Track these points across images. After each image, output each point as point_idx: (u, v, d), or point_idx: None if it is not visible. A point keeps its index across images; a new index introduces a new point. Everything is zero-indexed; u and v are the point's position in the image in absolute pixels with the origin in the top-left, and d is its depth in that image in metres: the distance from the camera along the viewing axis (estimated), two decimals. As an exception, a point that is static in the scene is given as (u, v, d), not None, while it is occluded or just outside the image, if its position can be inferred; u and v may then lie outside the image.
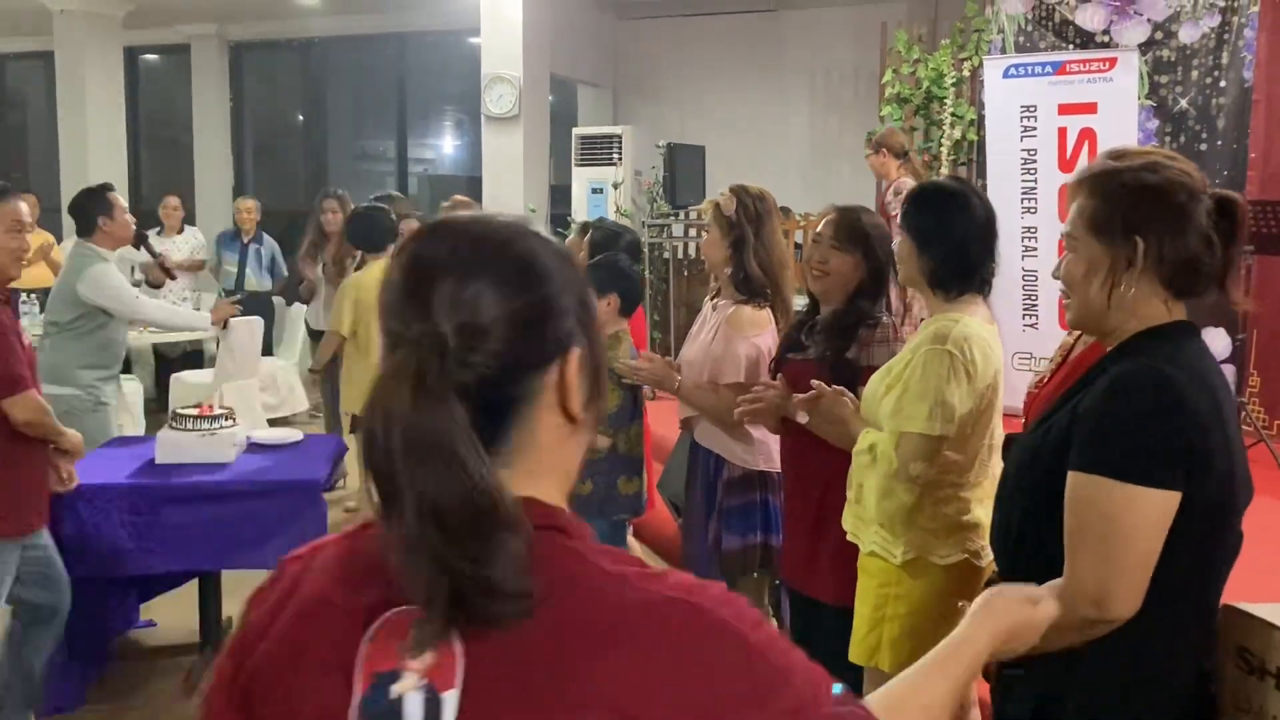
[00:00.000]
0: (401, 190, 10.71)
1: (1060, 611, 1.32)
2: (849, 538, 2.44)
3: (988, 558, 2.21)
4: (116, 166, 9.78)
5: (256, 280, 8.00)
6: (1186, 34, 6.41)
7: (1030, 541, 1.62)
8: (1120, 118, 6.02)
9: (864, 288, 2.69)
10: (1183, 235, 1.51)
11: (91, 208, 4.50)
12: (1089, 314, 1.60)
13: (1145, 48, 6.46)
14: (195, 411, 3.84)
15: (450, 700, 0.86)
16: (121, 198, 4.61)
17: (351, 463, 4.96)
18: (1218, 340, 6.53)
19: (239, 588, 4.37)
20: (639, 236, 5.98)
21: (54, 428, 3.16)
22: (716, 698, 0.83)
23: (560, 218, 8.95)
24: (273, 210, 8.56)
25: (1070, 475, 1.50)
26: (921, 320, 2.99)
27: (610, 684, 0.82)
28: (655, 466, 4.29)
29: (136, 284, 5.50)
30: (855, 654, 2.35)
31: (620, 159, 8.53)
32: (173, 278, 5.79)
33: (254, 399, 6.87)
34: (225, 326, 5.55)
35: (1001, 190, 6.11)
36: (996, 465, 2.24)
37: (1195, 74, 6.42)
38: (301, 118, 11.78)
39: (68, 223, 9.16)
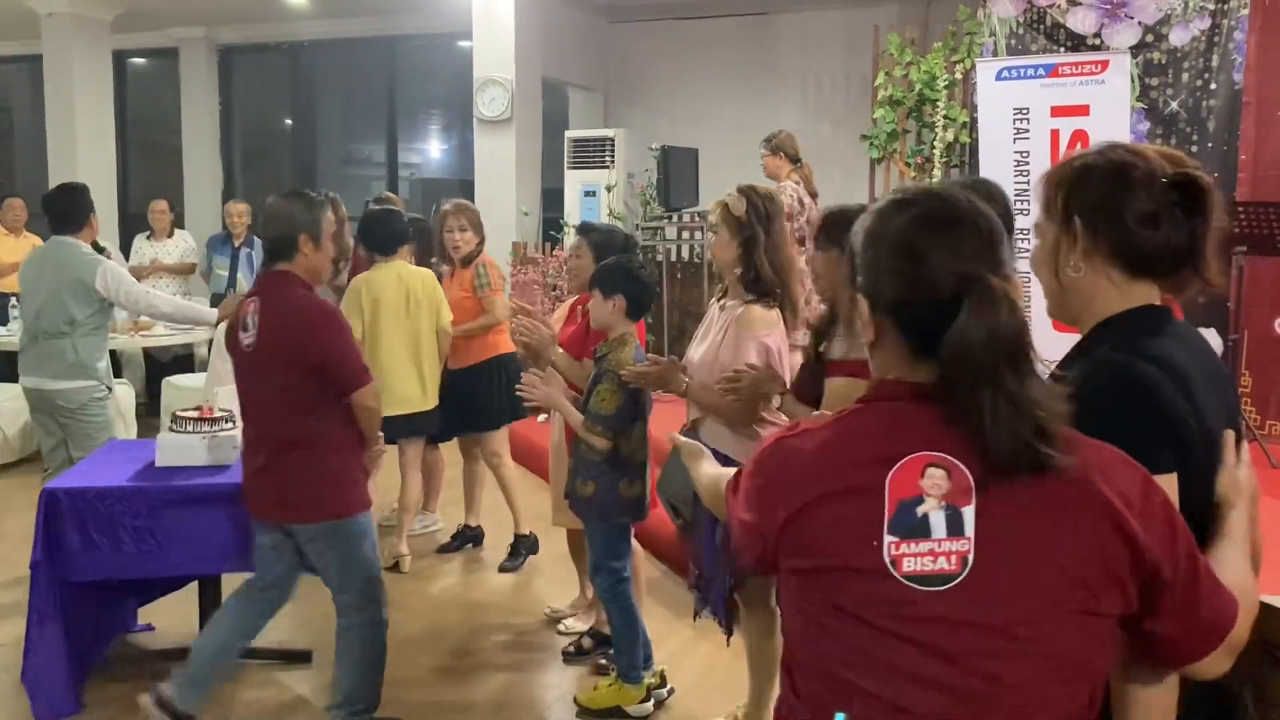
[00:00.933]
0: (392, 193, 10.71)
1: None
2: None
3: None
4: (105, 170, 9.73)
5: (247, 283, 7.95)
6: (1177, 37, 6.46)
7: None
8: (1112, 120, 6.06)
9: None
10: (1119, 215, 1.52)
11: (82, 204, 4.53)
12: (1050, 298, 1.63)
13: (1136, 50, 6.51)
14: (196, 414, 3.82)
15: (969, 514, 1.23)
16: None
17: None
18: (1210, 341, 6.57)
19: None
20: (630, 233, 6.00)
21: (379, 418, 3.35)
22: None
23: (553, 221, 8.95)
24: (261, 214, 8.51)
25: None
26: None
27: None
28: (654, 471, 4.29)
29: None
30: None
31: (613, 162, 8.53)
32: None
33: (247, 403, 6.83)
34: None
35: (995, 192, 6.14)
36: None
37: (1186, 76, 6.47)
38: (290, 121, 11.74)
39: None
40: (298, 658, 4.03)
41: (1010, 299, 1.24)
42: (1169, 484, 1.40)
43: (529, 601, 4.70)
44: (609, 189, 8.56)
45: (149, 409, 7.73)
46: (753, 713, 3.28)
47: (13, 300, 7.39)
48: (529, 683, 3.98)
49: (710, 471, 1.77)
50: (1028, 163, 6.29)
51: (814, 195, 6.22)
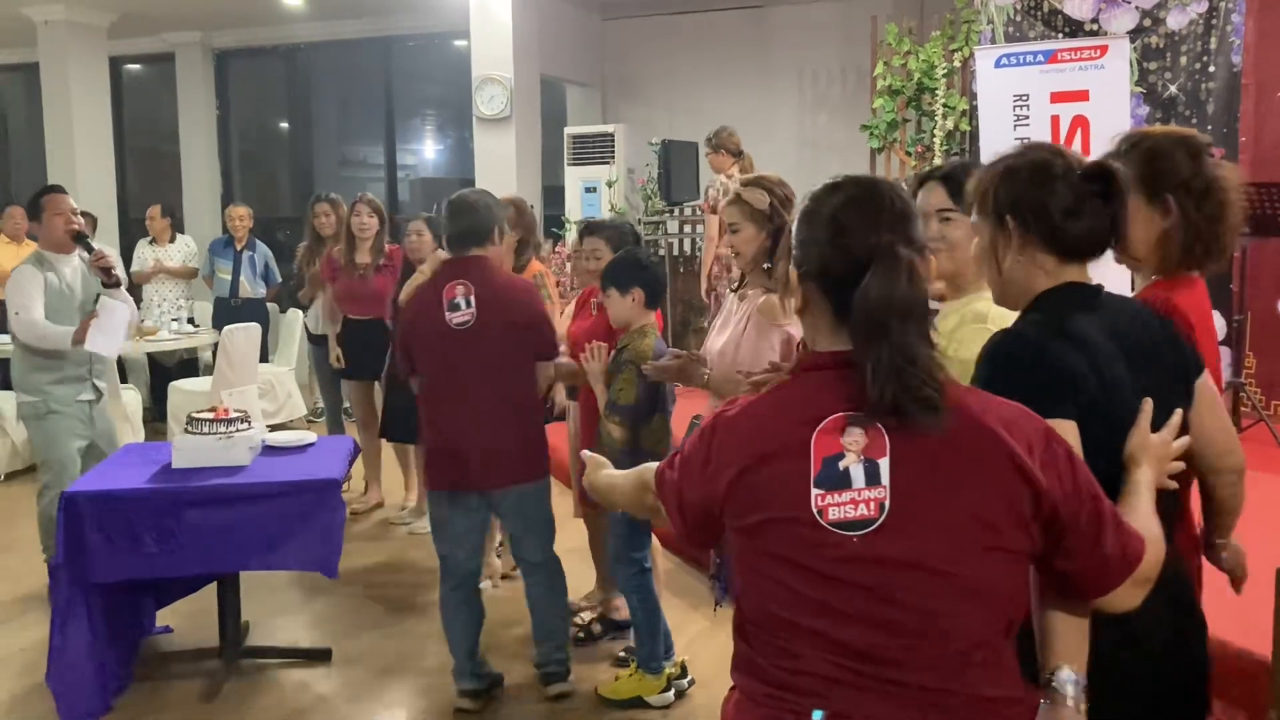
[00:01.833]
0: (391, 194, 10.72)
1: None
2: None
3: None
4: (104, 177, 9.73)
5: (251, 287, 7.96)
6: (1174, 20, 6.48)
7: None
8: (1112, 105, 6.07)
9: None
10: (1045, 210, 1.68)
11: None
12: (993, 288, 1.82)
13: (1134, 35, 6.52)
14: (211, 415, 3.83)
15: (884, 465, 1.37)
16: (71, 200, 4.49)
17: (355, 467, 4.97)
18: (1214, 322, 6.59)
19: (256, 590, 4.38)
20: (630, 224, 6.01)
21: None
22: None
23: (554, 218, 8.97)
24: (260, 217, 8.52)
25: None
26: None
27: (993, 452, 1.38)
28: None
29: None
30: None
31: (613, 157, 8.55)
32: (114, 283, 4.54)
33: (254, 405, 6.85)
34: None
35: (996, 179, 6.16)
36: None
37: (1184, 60, 6.49)
38: (287, 124, 11.74)
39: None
40: (317, 656, 4.04)
41: (912, 267, 1.39)
42: (1069, 430, 1.56)
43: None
44: (610, 184, 8.58)
45: (155, 414, 7.74)
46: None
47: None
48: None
49: (618, 475, 1.84)
50: (1029, 149, 6.31)
51: None
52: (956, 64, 7.15)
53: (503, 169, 8.41)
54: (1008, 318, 2.21)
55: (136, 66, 11.81)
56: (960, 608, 1.37)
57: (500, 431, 3.49)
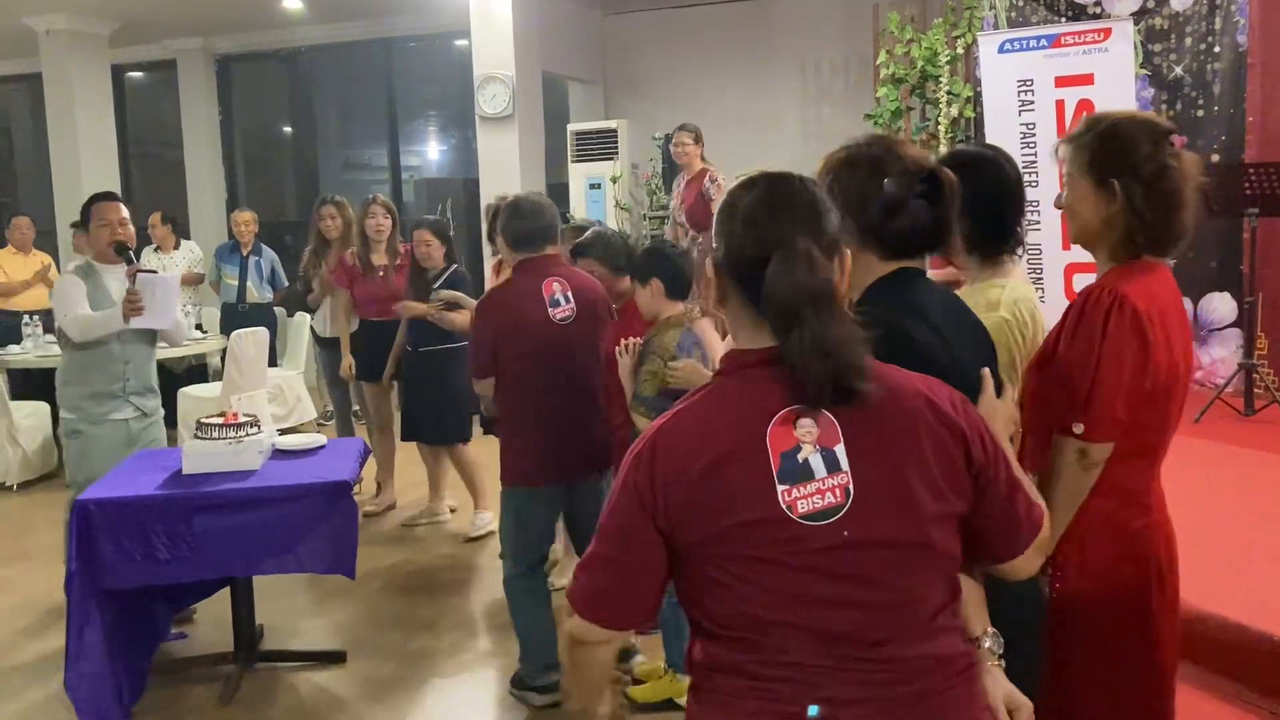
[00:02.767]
0: (396, 196, 10.71)
1: None
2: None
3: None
4: (109, 185, 9.69)
5: (258, 292, 7.97)
6: (1178, 1, 6.44)
7: None
8: (1117, 88, 6.05)
9: None
10: (867, 204, 1.70)
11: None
12: None
13: (1138, 17, 6.49)
14: (220, 420, 3.83)
15: (840, 450, 1.39)
16: (121, 208, 4.36)
17: (366, 469, 4.97)
18: (1224, 304, 6.56)
19: (271, 595, 4.38)
20: (620, 228, 5.97)
21: None
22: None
23: (560, 215, 8.94)
24: (265, 221, 8.52)
25: None
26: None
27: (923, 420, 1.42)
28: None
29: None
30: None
31: (617, 153, 8.53)
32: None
33: (263, 410, 6.86)
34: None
35: (1002, 165, 6.13)
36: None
37: (1189, 41, 6.45)
38: (290, 128, 11.75)
39: (64, 244, 9.18)
40: (332, 658, 4.04)
41: (811, 258, 1.40)
42: None
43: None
44: (614, 180, 8.56)
45: (165, 420, 7.72)
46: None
47: (25, 318, 7.42)
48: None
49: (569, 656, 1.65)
50: (1034, 134, 6.28)
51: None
52: (960, 51, 7.12)
53: (506, 167, 8.40)
54: (1019, 305, 2.20)
55: (139, 74, 11.82)
56: (929, 576, 1.43)
57: (599, 421, 3.68)
